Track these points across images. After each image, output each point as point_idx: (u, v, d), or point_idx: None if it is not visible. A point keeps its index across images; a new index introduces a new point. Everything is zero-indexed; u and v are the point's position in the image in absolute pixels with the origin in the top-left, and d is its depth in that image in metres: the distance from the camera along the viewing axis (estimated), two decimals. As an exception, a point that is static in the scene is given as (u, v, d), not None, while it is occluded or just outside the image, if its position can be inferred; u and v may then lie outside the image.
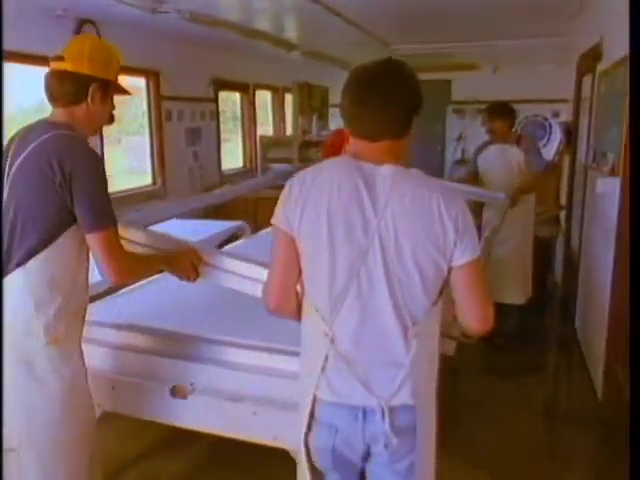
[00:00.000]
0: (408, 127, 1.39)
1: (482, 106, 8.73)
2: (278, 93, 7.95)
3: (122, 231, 1.82)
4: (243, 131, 7.27)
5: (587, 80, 4.59)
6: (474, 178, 4.27)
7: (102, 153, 4.34)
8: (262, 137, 7.08)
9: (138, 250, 1.91)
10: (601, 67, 3.89)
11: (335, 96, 9.17)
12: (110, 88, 1.85)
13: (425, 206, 1.31)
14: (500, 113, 4.13)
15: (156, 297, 2.65)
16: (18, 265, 1.68)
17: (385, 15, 4.93)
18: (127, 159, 5.98)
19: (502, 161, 4.08)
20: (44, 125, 1.76)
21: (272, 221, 1.42)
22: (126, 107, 5.51)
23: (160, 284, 2.71)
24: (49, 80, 1.79)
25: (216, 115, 6.42)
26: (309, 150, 7.21)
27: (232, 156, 7.08)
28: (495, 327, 1.42)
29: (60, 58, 1.78)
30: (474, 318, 1.42)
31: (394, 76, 1.36)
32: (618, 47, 3.27)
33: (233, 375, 2.01)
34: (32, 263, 1.68)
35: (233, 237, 4.17)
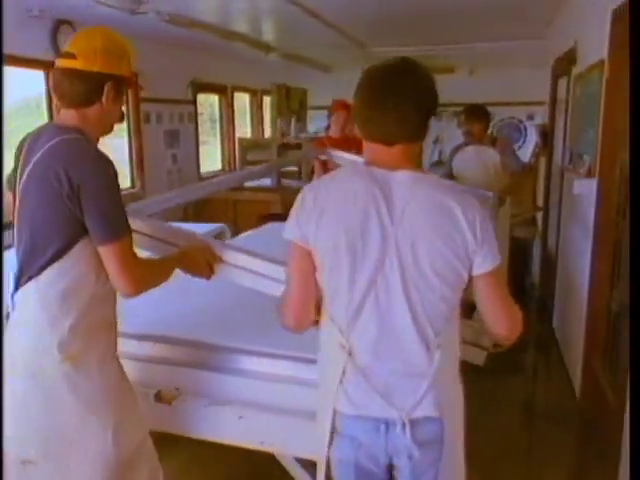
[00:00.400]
0: (424, 130, 1.34)
1: (458, 109, 8.93)
2: (256, 95, 7.94)
3: (133, 224, 1.69)
4: (222, 133, 7.24)
5: (562, 83, 4.67)
6: (450, 179, 4.30)
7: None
8: (241, 139, 7.06)
9: (146, 244, 1.85)
10: (576, 70, 3.97)
11: (313, 98, 9.19)
12: (124, 84, 1.70)
13: (442, 212, 1.28)
14: (477, 115, 4.20)
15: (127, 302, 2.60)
16: (30, 278, 1.59)
17: (362, 17, 4.96)
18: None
19: (478, 162, 4.13)
20: (52, 129, 1.65)
21: (285, 235, 1.37)
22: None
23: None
24: (57, 79, 1.64)
25: (195, 117, 6.39)
26: (288, 152, 7.20)
27: (210, 159, 7.04)
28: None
29: (69, 55, 1.62)
30: (504, 327, 1.38)
31: (409, 76, 1.31)
32: (592, 51, 3.34)
33: (218, 379, 2.00)
34: (45, 276, 1.57)
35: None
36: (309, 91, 9.07)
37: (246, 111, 7.99)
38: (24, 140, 1.69)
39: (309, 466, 1.99)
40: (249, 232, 4.20)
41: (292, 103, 8.27)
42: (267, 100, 8.17)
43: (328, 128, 4.72)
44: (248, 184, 6.71)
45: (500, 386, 3.61)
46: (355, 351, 1.33)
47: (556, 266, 4.45)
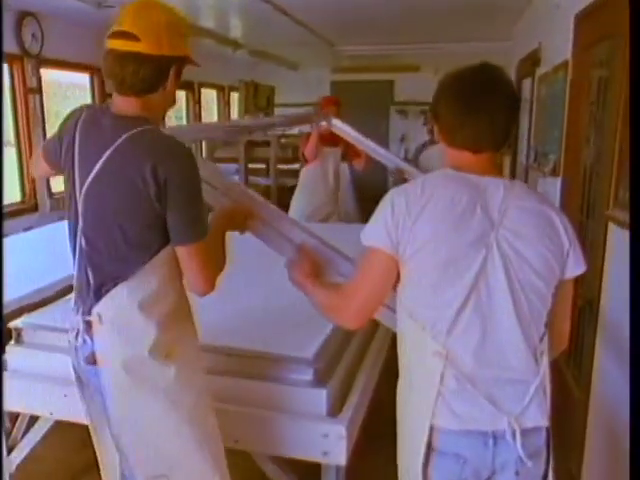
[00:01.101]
0: (509, 137, 1.34)
1: (424, 107, 9.04)
2: (223, 92, 7.88)
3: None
4: (189, 130, 7.17)
5: (526, 83, 4.77)
6: None
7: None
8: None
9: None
10: (540, 71, 4.06)
11: (280, 95, 9.18)
12: (184, 64, 1.53)
13: (540, 216, 1.27)
14: None
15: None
16: (116, 282, 1.47)
17: (331, 16, 4.98)
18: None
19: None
20: (113, 118, 1.47)
21: (367, 241, 1.32)
22: (65, 104, 5.32)
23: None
24: (114, 64, 1.43)
25: (162, 113, 6.29)
26: (255, 149, 7.16)
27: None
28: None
29: (129, 36, 1.39)
30: (565, 333, 1.40)
31: (498, 83, 1.30)
32: (556, 53, 3.43)
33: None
34: (137, 278, 1.46)
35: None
36: (276, 88, 9.05)
37: (213, 107, 7.92)
38: (69, 117, 1.55)
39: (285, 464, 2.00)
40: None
41: (260, 100, 8.24)
42: (234, 97, 8.11)
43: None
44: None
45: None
46: (455, 358, 1.25)
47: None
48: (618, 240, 2.06)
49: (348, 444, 1.83)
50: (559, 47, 3.37)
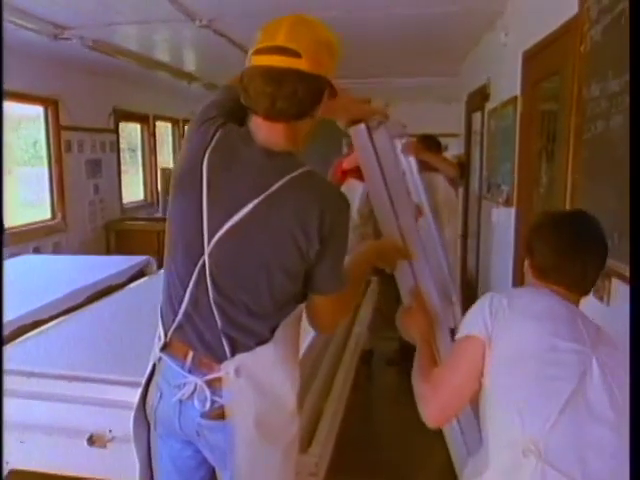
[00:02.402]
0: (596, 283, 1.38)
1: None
2: (178, 124, 7.85)
3: None
4: (143, 163, 7.09)
5: (476, 116, 4.94)
6: None
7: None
8: (164, 169, 6.93)
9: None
10: (490, 105, 4.22)
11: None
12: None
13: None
14: (432, 146, 4.27)
15: (53, 341, 2.47)
16: (259, 338, 1.35)
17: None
18: (20, 191, 5.64)
19: (431, 189, 4.24)
20: (263, 157, 1.28)
21: (462, 332, 1.33)
22: (14, 135, 5.20)
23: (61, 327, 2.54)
24: (271, 82, 1.22)
25: (117, 146, 6.25)
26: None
27: (132, 189, 6.86)
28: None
29: (288, 52, 1.21)
30: None
31: (594, 234, 1.35)
32: (505, 88, 3.58)
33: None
34: (279, 334, 1.35)
35: (139, 272, 4.02)
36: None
37: (168, 140, 7.87)
38: (200, 148, 1.31)
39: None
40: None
41: (215, 132, 8.23)
42: (189, 130, 8.10)
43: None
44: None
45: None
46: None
47: (477, 289, 4.65)
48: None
49: (320, 480, 1.80)
50: (507, 83, 3.53)
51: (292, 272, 1.31)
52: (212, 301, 1.33)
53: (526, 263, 1.41)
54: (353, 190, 4.54)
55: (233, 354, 1.34)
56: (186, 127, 8.04)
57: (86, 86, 5.51)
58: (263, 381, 1.37)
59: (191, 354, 1.38)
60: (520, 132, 3.16)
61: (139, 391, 1.52)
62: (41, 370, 2.07)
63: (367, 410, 3.42)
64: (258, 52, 1.24)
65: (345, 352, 2.76)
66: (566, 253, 1.32)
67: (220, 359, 1.35)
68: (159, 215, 6.53)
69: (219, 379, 1.36)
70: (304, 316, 1.43)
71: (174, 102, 7.41)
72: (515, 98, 3.25)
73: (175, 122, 7.79)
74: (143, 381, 1.52)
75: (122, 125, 6.56)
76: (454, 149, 7.61)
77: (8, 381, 2.03)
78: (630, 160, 1.26)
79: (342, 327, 2.96)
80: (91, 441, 1.90)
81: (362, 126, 1.65)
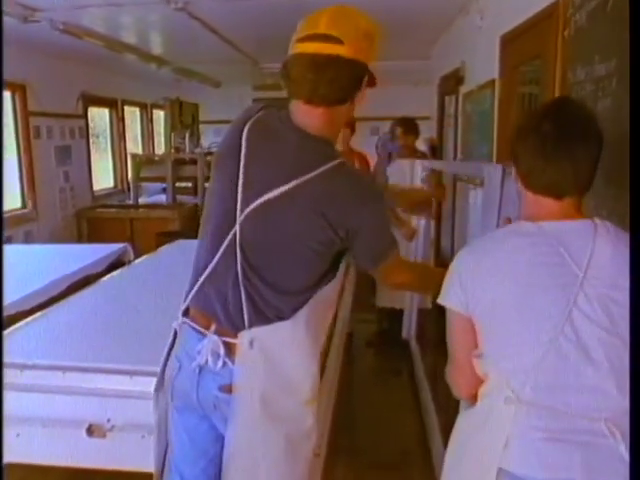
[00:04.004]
0: (593, 179, 1.25)
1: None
2: (146, 109, 7.70)
3: None
4: (113, 149, 6.94)
5: (449, 100, 5.00)
6: (383, 189, 4.39)
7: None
8: (134, 155, 6.80)
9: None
10: (464, 89, 4.27)
11: (205, 113, 9.09)
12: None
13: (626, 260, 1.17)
14: (414, 129, 4.31)
15: (43, 332, 2.43)
16: (280, 314, 1.36)
17: (255, 33, 5.03)
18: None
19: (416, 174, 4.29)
20: (301, 138, 1.33)
21: (443, 301, 1.31)
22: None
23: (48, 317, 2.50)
24: (312, 68, 1.27)
25: (86, 132, 6.12)
26: (182, 168, 7.04)
27: (100, 176, 6.71)
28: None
29: (330, 39, 1.26)
30: None
31: (580, 122, 1.22)
32: (481, 72, 3.63)
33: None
34: (300, 315, 1.36)
35: (117, 261, 3.96)
36: (200, 106, 8.97)
37: (136, 125, 7.73)
38: (240, 123, 1.37)
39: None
40: (153, 253, 4.05)
41: (185, 118, 8.13)
42: (157, 114, 7.95)
43: None
44: (143, 201, 6.51)
45: (412, 388, 3.77)
46: None
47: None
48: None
49: (320, 463, 1.83)
50: (484, 66, 3.57)
51: (320, 250, 1.34)
52: (239, 271, 1.35)
53: (513, 172, 1.30)
54: None
55: (251, 326, 1.36)
56: (154, 112, 7.91)
57: (54, 71, 5.37)
58: (276, 359, 1.37)
59: (214, 326, 1.40)
60: (499, 115, 3.21)
61: (161, 360, 1.53)
62: (34, 362, 2.03)
63: (348, 391, 3.47)
64: (301, 40, 1.30)
65: (334, 335, 2.79)
66: (549, 152, 1.19)
67: (239, 329, 1.37)
68: (130, 202, 6.43)
69: (234, 345, 1.37)
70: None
71: (141, 86, 7.28)
72: (493, 81, 3.30)
73: (143, 107, 7.65)
74: (165, 350, 1.53)
75: (94, 111, 6.43)
76: (424, 132, 7.68)
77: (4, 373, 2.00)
78: (630, 160, 1.26)
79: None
80: (90, 431, 1.88)
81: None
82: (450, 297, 1.29)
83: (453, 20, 4.54)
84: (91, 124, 6.54)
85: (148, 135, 7.79)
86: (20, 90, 4.98)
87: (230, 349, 1.38)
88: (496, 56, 3.21)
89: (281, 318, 1.37)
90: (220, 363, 1.37)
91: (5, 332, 2.31)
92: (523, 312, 1.20)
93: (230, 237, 1.36)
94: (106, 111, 6.73)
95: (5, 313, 2.55)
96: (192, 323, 1.45)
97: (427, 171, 3.75)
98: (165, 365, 1.53)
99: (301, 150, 1.33)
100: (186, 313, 1.49)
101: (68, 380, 1.98)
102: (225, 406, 1.40)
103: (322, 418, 1.98)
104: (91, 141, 6.73)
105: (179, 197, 6.51)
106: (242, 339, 1.36)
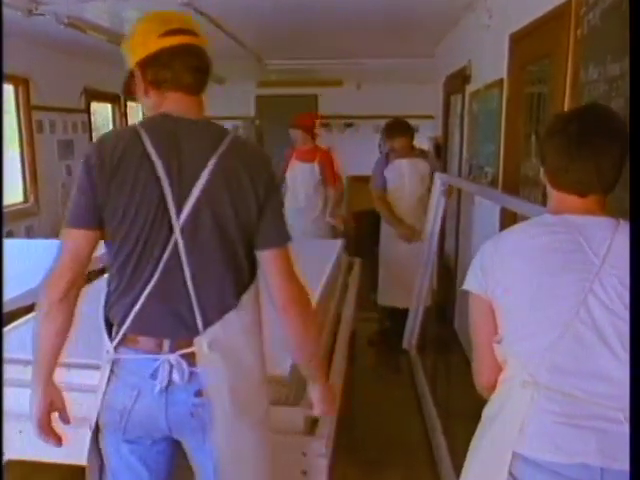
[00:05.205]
0: (618, 179, 1.27)
1: (347, 121, 9.21)
2: (148, 105, 7.68)
3: None
4: (114, 143, 6.91)
5: (455, 99, 4.97)
6: (384, 192, 4.38)
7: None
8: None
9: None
10: (471, 88, 4.24)
11: (208, 109, 8.85)
12: None
13: None
14: (399, 130, 4.29)
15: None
16: (226, 307, 1.38)
17: (261, 29, 5.01)
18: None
19: (415, 174, 4.28)
20: (199, 126, 1.38)
21: (466, 286, 1.37)
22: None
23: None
24: (196, 59, 1.37)
25: (89, 127, 6.11)
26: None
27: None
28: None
29: (189, 32, 1.36)
30: None
31: (607, 125, 1.26)
32: (489, 71, 3.60)
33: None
34: (243, 301, 1.40)
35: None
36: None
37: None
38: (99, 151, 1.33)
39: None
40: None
41: (187, 114, 8.09)
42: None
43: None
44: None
45: (414, 387, 3.75)
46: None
47: (456, 271, 4.71)
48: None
49: (328, 462, 1.81)
50: (491, 65, 3.55)
51: (250, 230, 1.38)
52: (188, 278, 1.35)
53: (541, 171, 1.36)
54: (300, 171, 4.59)
55: (205, 328, 1.37)
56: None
57: (57, 65, 5.35)
58: (233, 352, 1.40)
59: (167, 344, 1.38)
60: (506, 114, 3.19)
61: (97, 402, 1.47)
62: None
63: (349, 390, 3.46)
64: (168, 34, 1.34)
65: (339, 334, 2.77)
66: (574, 151, 1.25)
67: (194, 336, 1.37)
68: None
69: (192, 354, 1.37)
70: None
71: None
72: (501, 80, 3.27)
73: (146, 102, 7.62)
74: (101, 390, 1.47)
75: (95, 106, 6.41)
76: (427, 131, 7.65)
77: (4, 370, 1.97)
78: (630, 159, 1.25)
79: (332, 311, 2.97)
80: (93, 429, 1.86)
81: None
82: (471, 281, 1.35)
83: (459, 18, 4.51)
84: (94, 119, 6.52)
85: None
86: (23, 84, 4.96)
87: (191, 359, 1.38)
88: (505, 55, 3.19)
89: (229, 309, 1.39)
90: (186, 377, 1.37)
91: (8, 328, 2.29)
92: (538, 295, 1.23)
93: (170, 247, 1.34)
94: (109, 106, 6.70)
95: (7, 309, 2.53)
96: (139, 350, 1.41)
97: (446, 186, 3.77)
98: (102, 404, 1.47)
99: (202, 135, 1.37)
100: (119, 344, 1.43)
101: (72, 377, 1.96)
102: (202, 410, 1.40)
103: (329, 419, 1.96)
104: (94, 136, 6.71)
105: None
106: (199, 345, 1.37)
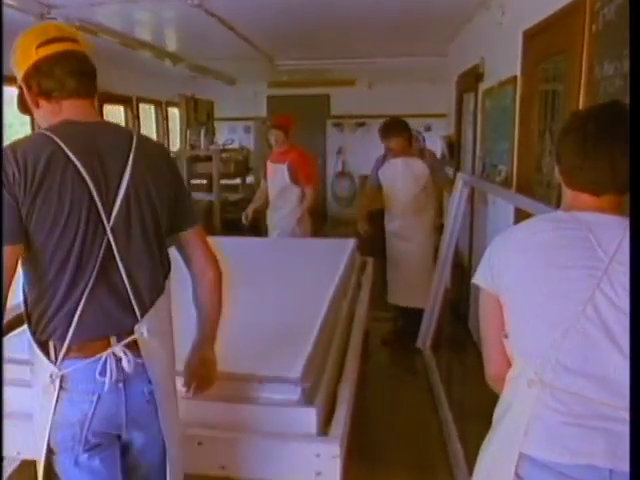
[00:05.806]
0: None
1: (360, 120, 9.20)
2: (161, 107, 7.71)
3: None
4: (127, 146, 6.94)
5: (468, 97, 4.93)
6: (379, 191, 4.41)
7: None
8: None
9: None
10: (484, 86, 4.21)
11: (219, 110, 9.10)
12: None
13: None
14: (394, 130, 4.27)
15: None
16: (156, 293, 1.48)
17: (271, 30, 5.01)
18: None
19: (409, 174, 4.25)
20: (103, 128, 1.47)
21: (476, 280, 1.38)
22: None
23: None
24: (83, 63, 1.43)
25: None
26: (197, 165, 7.05)
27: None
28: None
29: (71, 39, 1.43)
30: None
31: (623, 124, 1.22)
32: (503, 68, 3.56)
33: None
34: (167, 284, 1.53)
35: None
36: (215, 103, 8.99)
37: (151, 123, 7.73)
38: (54, 153, 1.32)
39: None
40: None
41: (200, 115, 8.14)
42: (172, 111, 7.96)
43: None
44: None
45: (430, 388, 3.73)
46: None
47: (469, 271, 4.67)
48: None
49: (342, 463, 1.80)
50: (504, 63, 3.51)
51: (167, 217, 1.49)
52: (124, 275, 1.40)
53: (556, 170, 1.34)
54: (272, 172, 4.64)
55: (142, 315, 1.44)
56: (169, 109, 7.92)
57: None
58: (165, 335, 1.52)
59: (114, 339, 1.41)
60: (520, 112, 3.15)
61: (46, 425, 1.42)
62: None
63: (363, 389, 3.44)
64: (44, 44, 1.37)
65: (352, 333, 2.76)
66: (589, 150, 1.23)
67: (131, 324, 1.43)
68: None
69: (136, 344, 1.43)
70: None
71: (156, 84, 7.28)
72: (514, 78, 3.23)
73: (158, 104, 7.65)
74: (50, 411, 1.41)
75: (109, 109, 6.42)
76: (440, 130, 7.62)
77: (16, 370, 1.98)
78: (630, 159, 1.23)
79: (345, 310, 2.96)
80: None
81: None
82: (480, 276, 1.36)
83: (472, 16, 4.47)
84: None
85: (163, 132, 7.79)
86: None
87: (135, 349, 1.43)
88: (518, 52, 3.15)
89: (160, 294, 1.48)
90: (134, 365, 1.42)
91: (18, 330, 2.30)
92: (543, 289, 1.22)
93: (103, 248, 1.36)
94: (121, 108, 6.73)
95: (17, 312, 2.53)
96: (87, 356, 1.40)
97: (468, 187, 3.78)
98: (52, 425, 1.42)
99: (112, 132, 1.47)
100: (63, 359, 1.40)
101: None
102: (153, 395, 1.48)
103: (343, 419, 1.95)
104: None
105: (193, 194, 6.50)
106: (140, 332, 1.43)
